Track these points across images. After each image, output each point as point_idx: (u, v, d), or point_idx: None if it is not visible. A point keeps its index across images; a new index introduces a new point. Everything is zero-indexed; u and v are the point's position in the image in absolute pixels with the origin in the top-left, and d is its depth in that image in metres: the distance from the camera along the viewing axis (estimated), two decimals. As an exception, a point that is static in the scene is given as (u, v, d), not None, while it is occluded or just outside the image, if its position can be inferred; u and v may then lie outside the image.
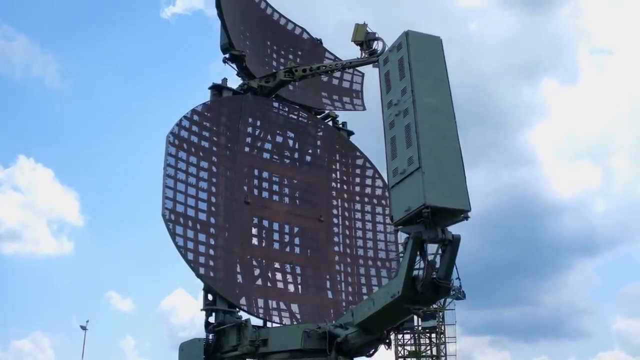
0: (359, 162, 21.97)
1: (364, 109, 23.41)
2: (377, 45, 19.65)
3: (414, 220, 12.31)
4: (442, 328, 37.64)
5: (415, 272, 12.87)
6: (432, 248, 13.01)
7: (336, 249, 20.66)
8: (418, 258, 12.78)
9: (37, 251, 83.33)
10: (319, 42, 23.57)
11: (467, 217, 12.26)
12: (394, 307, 13.21)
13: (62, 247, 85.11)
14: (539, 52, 70.70)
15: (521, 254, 65.92)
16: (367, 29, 19.77)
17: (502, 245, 65.02)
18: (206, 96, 19.62)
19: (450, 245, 12.57)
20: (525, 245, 64.92)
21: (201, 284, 17.15)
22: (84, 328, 44.07)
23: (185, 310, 75.99)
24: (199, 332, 17.54)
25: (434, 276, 12.66)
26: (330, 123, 22.20)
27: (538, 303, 70.39)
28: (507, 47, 71.56)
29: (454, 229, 12.82)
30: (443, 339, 37.34)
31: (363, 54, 19.97)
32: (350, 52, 20.88)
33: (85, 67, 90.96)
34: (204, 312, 17.17)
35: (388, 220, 21.66)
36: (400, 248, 20.64)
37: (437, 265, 12.81)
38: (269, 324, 17.97)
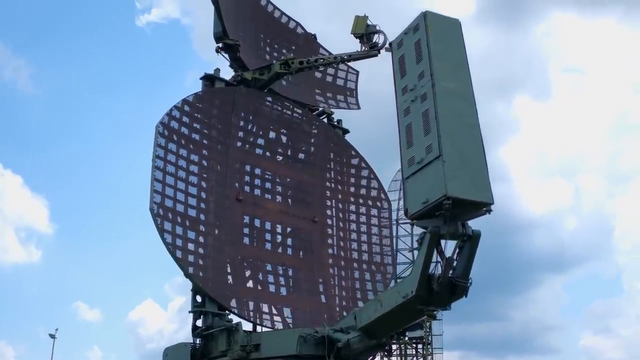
0: (354, 161, 21.01)
1: (359, 107, 22.50)
2: (378, 39, 18.97)
3: (431, 214, 11.32)
4: (430, 339, 36.83)
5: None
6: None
7: (330, 251, 19.61)
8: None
9: (4, 259, 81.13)
10: (314, 37, 22.65)
11: (489, 211, 11.33)
12: (405, 309, 12.20)
13: (30, 256, 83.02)
14: (513, 69, 71.01)
15: (491, 270, 65.52)
16: (368, 21, 19.05)
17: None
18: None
19: (470, 242, 11.62)
20: (496, 261, 64.53)
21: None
22: (53, 337, 42.57)
23: (154, 321, 74.37)
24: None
25: (451, 275, 11.73)
26: (325, 120, 21.25)
27: (507, 319, 70.30)
28: (482, 63, 71.63)
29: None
30: (430, 349, 36.48)
31: (363, 47, 19.22)
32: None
33: (58, 73, 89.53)
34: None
35: (384, 223, 20.79)
36: (401, 255, 19.80)
37: (454, 263, 11.88)
38: (258, 329, 16.90)
